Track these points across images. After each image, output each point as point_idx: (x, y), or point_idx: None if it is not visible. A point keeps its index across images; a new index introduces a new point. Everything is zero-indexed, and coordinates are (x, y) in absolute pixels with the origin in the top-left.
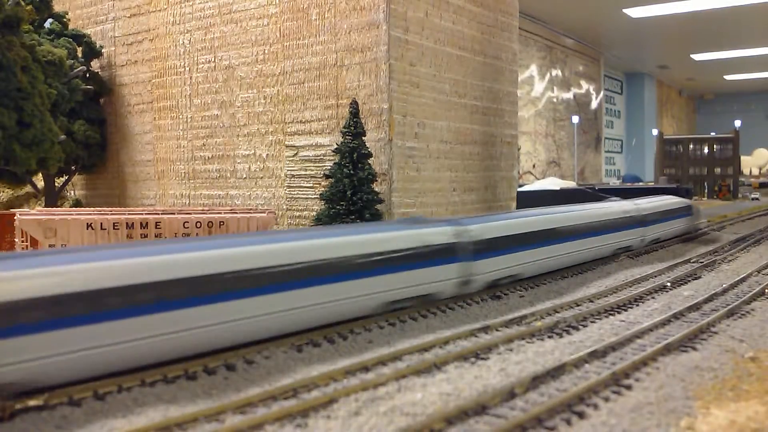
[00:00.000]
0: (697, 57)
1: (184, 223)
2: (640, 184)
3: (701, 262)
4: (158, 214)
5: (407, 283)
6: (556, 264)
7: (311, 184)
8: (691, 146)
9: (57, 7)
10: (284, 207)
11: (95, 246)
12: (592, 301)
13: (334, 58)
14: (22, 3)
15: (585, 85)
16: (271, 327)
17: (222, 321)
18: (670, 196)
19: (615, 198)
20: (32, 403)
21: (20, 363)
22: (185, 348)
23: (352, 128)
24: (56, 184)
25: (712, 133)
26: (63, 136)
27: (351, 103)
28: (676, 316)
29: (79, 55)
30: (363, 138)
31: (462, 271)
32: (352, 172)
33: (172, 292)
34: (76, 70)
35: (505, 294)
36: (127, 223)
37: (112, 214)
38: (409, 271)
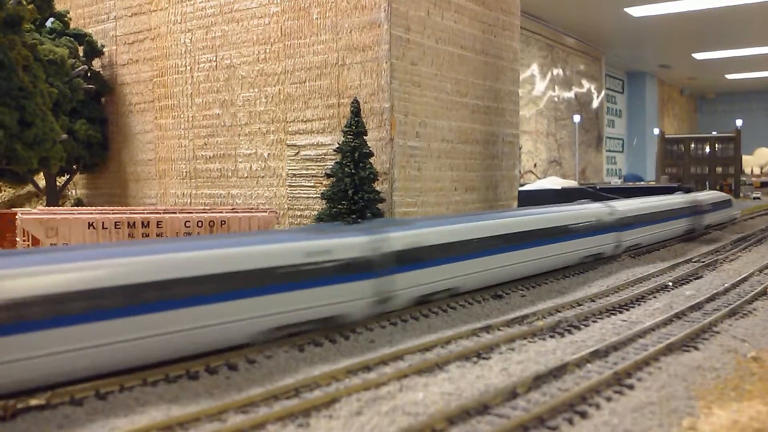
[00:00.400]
0: (699, 56)
1: (186, 222)
2: (642, 183)
3: (703, 262)
4: (160, 213)
5: (589, 245)
6: (661, 237)
7: (312, 184)
8: (693, 145)
9: (58, 6)
10: (285, 206)
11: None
12: (593, 301)
13: (336, 57)
14: (24, 2)
15: (586, 84)
16: (524, 270)
17: (507, 264)
18: (716, 192)
19: (679, 192)
20: (34, 402)
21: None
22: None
23: (354, 127)
24: (58, 184)
25: (714, 133)
26: (64, 136)
27: (352, 102)
28: (678, 315)
29: (81, 54)
30: (364, 137)
31: (615, 239)
32: (353, 171)
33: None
34: (77, 70)
35: (506, 293)
36: (128, 222)
37: (113, 213)
38: (590, 237)
